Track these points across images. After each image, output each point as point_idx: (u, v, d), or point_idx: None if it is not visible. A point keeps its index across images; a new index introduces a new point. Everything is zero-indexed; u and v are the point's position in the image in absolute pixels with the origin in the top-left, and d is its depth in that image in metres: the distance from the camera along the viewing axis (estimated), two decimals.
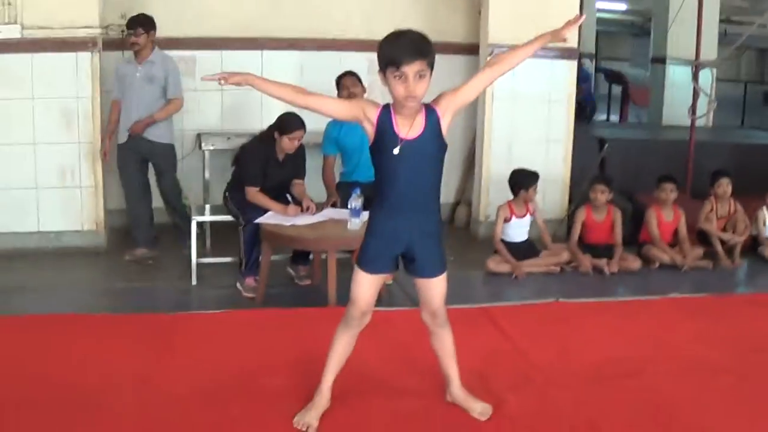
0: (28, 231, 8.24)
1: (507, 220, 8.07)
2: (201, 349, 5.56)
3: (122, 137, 8.07)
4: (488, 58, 4.19)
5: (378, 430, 4.53)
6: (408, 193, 4.35)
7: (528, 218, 8.13)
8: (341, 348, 4.56)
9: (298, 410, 4.54)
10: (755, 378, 5.30)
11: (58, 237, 8.23)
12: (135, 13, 8.32)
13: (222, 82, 4.14)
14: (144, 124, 7.92)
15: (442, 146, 4.40)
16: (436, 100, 4.39)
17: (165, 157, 8.19)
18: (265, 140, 7.33)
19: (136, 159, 8.09)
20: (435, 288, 4.58)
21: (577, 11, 9.20)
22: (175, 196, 8.29)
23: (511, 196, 8.14)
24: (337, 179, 8.01)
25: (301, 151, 7.39)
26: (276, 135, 7.22)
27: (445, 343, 4.71)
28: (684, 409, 4.83)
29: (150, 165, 8.24)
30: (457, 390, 4.75)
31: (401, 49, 4.15)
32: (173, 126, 8.31)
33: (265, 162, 7.26)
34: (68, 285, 7.35)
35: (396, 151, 4.22)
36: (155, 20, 8.02)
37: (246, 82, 4.20)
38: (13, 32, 8.02)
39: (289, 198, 7.38)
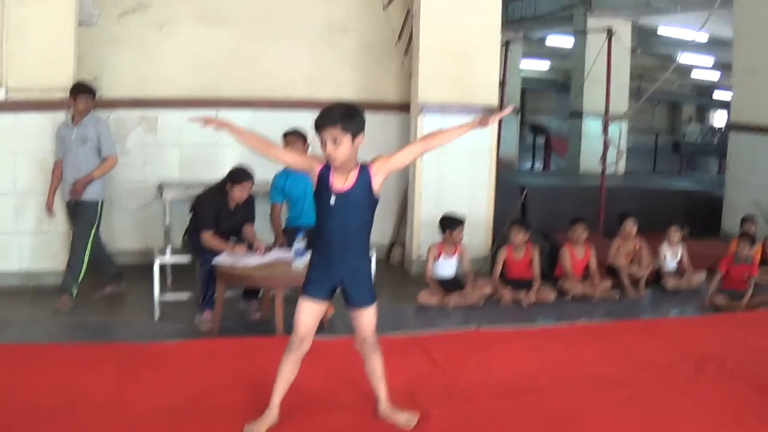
0: (9, 271, 8.32)
1: (436, 258, 8.34)
2: (163, 375, 5.71)
3: (67, 196, 7.98)
4: (420, 136, 4.53)
5: None
6: (339, 235, 4.74)
7: (455, 257, 8.38)
8: (287, 371, 4.86)
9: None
10: (646, 390, 5.62)
11: (37, 276, 8.32)
12: (104, 76, 8.77)
13: (204, 124, 4.54)
14: (83, 184, 7.82)
15: (372, 199, 4.77)
16: (373, 161, 4.73)
17: (84, 209, 7.94)
18: (218, 190, 7.53)
19: (72, 212, 8.06)
20: (365, 317, 4.92)
21: (497, 79, 9.62)
22: (80, 249, 7.92)
23: (440, 238, 8.42)
24: (283, 224, 8.12)
25: (250, 199, 7.59)
26: (228, 185, 7.43)
27: (375, 367, 5.01)
28: (586, 418, 5.14)
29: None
30: (384, 407, 5.06)
31: (321, 118, 4.58)
32: (106, 183, 8.16)
33: (218, 209, 7.44)
34: (45, 319, 7.46)
35: (331, 201, 4.59)
36: (92, 89, 8.02)
37: (223, 127, 4.64)
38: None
39: (234, 240, 7.51)
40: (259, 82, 9.73)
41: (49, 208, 8.08)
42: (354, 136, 4.58)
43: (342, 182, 4.67)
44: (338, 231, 4.75)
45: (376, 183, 4.72)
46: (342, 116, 4.58)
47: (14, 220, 8.30)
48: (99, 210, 8.02)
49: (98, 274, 8.21)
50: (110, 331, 7.17)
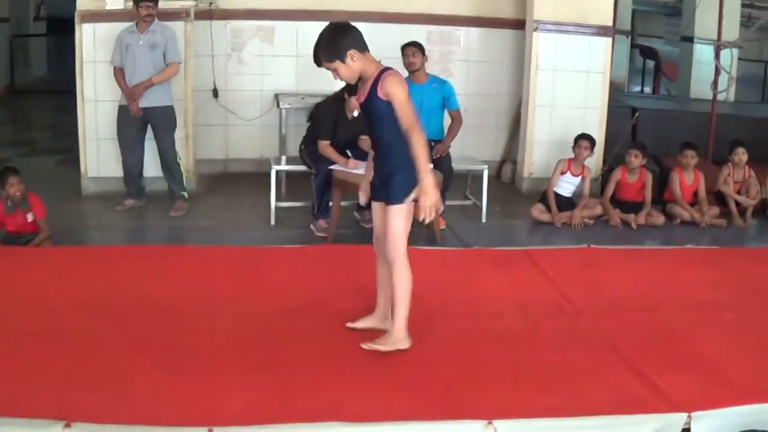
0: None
1: (563, 173, 8.33)
2: (282, 277, 5.95)
3: (124, 100, 8.04)
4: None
5: (433, 343, 4.93)
6: (374, 144, 4.93)
7: (579, 179, 8.34)
8: (378, 271, 5.07)
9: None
10: (752, 316, 5.59)
11: (154, 181, 8.51)
12: None
13: None
14: (143, 87, 7.87)
15: (383, 108, 4.64)
16: (387, 77, 4.63)
17: (163, 118, 8.12)
18: (336, 100, 7.64)
19: (133, 120, 8.01)
20: (380, 214, 4.99)
21: None
22: (172, 156, 8.21)
23: (562, 156, 8.47)
24: None
25: None
26: (345, 96, 7.52)
27: (383, 275, 5.01)
28: (689, 337, 5.18)
29: (149, 127, 8.19)
30: (375, 318, 5.10)
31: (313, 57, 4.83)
32: (171, 89, 8.20)
33: (336, 119, 7.56)
34: (165, 223, 7.85)
35: (355, 113, 4.76)
36: None
37: None
38: (118, 3, 8.39)
39: (349, 153, 7.63)
40: None
41: (136, 111, 7.94)
42: (342, 59, 4.63)
43: (363, 95, 4.74)
44: (373, 140, 4.94)
45: (382, 93, 4.62)
46: (321, 52, 4.72)
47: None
48: (174, 113, 8.21)
49: (127, 185, 8.33)
50: (228, 235, 7.41)
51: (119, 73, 8.00)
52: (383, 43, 9.29)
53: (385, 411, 4.12)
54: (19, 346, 4.70)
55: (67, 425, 3.82)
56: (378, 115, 4.71)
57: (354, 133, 7.66)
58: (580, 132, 8.56)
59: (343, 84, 7.50)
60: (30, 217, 6.95)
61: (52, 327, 4.97)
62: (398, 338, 4.78)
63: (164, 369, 4.47)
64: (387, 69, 4.67)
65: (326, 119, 7.59)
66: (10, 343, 4.74)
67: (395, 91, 4.57)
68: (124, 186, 8.32)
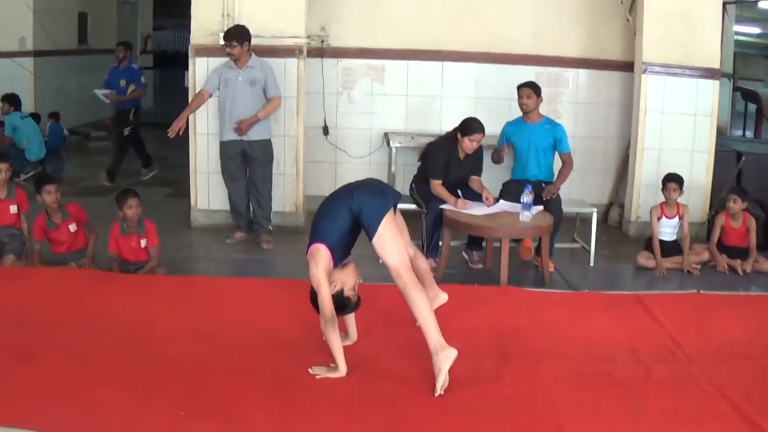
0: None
1: (659, 219, 8.20)
2: (390, 314, 5.96)
3: (226, 135, 8.21)
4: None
5: (544, 385, 4.97)
6: None
7: (676, 220, 8.20)
8: None
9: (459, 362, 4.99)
10: None
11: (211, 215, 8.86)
12: (332, 26, 9.18)
13: None
14: (249, 123, 8.06)
15: None
16: None
17: (262, 150, 8.28)
18: (448, 140, 7.74)
19: (234, 155, 8.25)
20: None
21: (719, 41, 9.43)
22: (267, 189, 8.41)
23: (662, 199, 8.32)
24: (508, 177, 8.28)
25: (479, 151, 7.76)
26: (459, 136, 7.61)
27: (413, 310, 5.01)
28: None
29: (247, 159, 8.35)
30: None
31: None
32: (270, 123, 8.39)
33: (448, 159, 7.66)
34: (273, 257, 8.06)
35: None
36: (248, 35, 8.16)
37: None
38: None
39: (459, 193, 7.69)
40: (482, 36, 9.82)
41: (175, 131, 8.00)
42: None
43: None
44: None
45: None
46: None
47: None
48: (272, 147, 8.40)
49: (235, 218, 8.57)
50: None
51: (203, 96, 8.24)
52: (492, 83, 9.68)
53: None
54: (130, 373, 4.88)
55: None
56: None
57: (464, 172, 7.78)
58: (685, 176, 8.45)
59: (454, 125, 7.74)
60: (143, 243, 7.23)
61: (162, 355, 5.16)
62: (445, 355, 4.82)
63: (276, 401, 4.62)
64: None
65: (439, 159, 7.69)
66: (122, 370, 4.92)
67: None
68: (233, 219, 8.57)
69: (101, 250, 7.36)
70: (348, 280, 5.11)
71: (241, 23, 8.33)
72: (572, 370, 5.24)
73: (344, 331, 5.42)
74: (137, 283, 6.71)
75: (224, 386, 4.79)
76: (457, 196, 7.64)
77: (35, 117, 12.85)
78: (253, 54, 8.22)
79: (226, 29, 8.26)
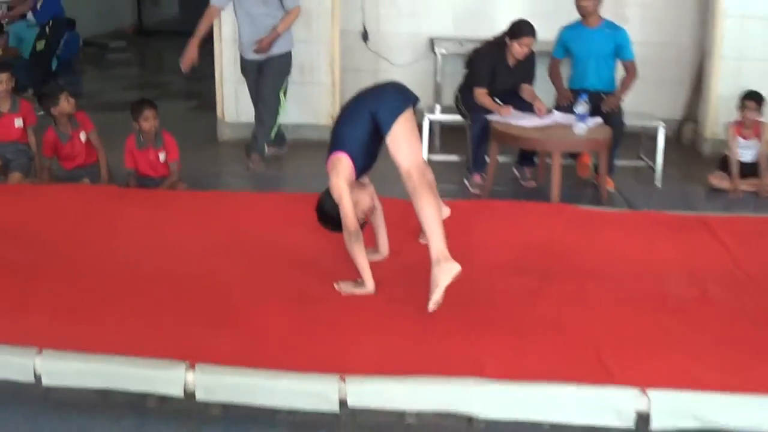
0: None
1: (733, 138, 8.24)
2: None
3: (246, 54, 8.46)
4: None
5: (588, 304, 5.22)
6: None
7: (754, 141, 8.23)
8: None
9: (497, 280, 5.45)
10: None
11: (295, 129, 9.08)
12: None
13: None
14: (269, 41, 8.24)
15: None
16: None
17: (278, 63, 8.45)
18: (496, 45, 7.93)
19: (253, 69, 8.53)
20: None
21: None
22: (273, 101, 8.52)
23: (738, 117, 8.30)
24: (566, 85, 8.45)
25: (530, 57, 7.92)
26: (507, 40, 7.80)
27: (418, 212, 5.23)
28: None
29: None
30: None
31: None
32: (292, 33, 8.54)
33: (495, 66, 7.87)
34: (301, 173, 8.41)
35: None
36: None
37: None
38: None
39: (498, 101, 7.86)
40: None
41: (188, 62, 8.37)
42: None
43: None
44: None
45: None
46: None
47: None
48: (290, 59, 8.59)
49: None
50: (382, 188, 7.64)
51: (213, 13, 8.48)
52: None
53: (531, 371, 4.40)
54: (145, 288, 5.27)
55: (191, 366, 4.34)
56: None
57: (514, 80, 7.99)
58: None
59: (504, 28, 7.86)
60: (162, 157, 7.59)
61: (178, 271, 5.54)
62: (446, 268, 5.00)
63: (296, 314, 4.95)
64: None
65: (484, 65, 7.91)
66: (137, 285, 5.32)
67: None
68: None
69: (118, 165, 7.74)
70: (363, 201, 5.37)
71: None
72: (619, 288, 5.46)
73: (373, 246, 5.71)
74: (154, 199, 7.05)
75: (242, 300, 5.14)
76: (513, 106, 7.83)
77: (68, 24, 13.05)
78: None
79: None
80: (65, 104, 7.58)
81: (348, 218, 5.17)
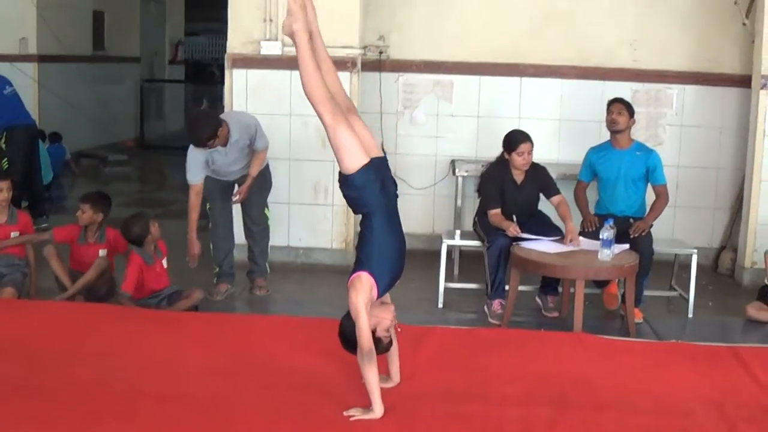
0: (278, 245, 9.52)
1: None
2: (444, 359, 6.62)
3: (218, 175, 8.67)
4: None
5: None
6: None
7: None
8: None
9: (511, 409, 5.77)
10: None
11: (306, 253, 9.49)
12: (392, 35, 9.98)
13: None
14: (247, 189, 8.58)
15: None
16: None
17: (260, 181, 8.74)
18: (499, 164, 8.41)
19: (221, 188, 8.81)
20: None
21: None
22: (263, 221, 8.90)
23: None
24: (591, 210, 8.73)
25: (540, 169, 8.34)
26: (506, 156, 8.25)
27: None
28: None
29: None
30: None
31: None
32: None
33: (502, 184, 8.28)
34: (312, 299, 8.75)
35: None
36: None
37: None
38: (274, 49, 9.44)
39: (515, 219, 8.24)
40: (569, 47, 10.30)
41: (195, 257, 8.61)
42: None
43: None
44: None
45: None
46: None
47: (287, 189, 9.64)
48: (268, 173, 8.97)
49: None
50: None
51: (199, 192, 8.58)
52: (580, 102, 10.03)
53: None
54: (144, 408, 5.64)
55: None
56: None
57: (527, 198, 8.43)
58: None
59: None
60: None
61: (181, 391, 5.94)
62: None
63: None
64: None
65: (490, 185, 8.35)
66: (135, 405, 5.69)
67: None
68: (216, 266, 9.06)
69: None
70: (383, 319, 5.71)
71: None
72: (640, 423, 5.70)
73: (386, 372, 6.04)
74: (157, 320, 7.49)
75: (248, 425, 5.50)
76: (519, 226, 8.17)
77: (40, 135, 13.18)
78: (229, 123, 8.43)
79: (201, 131, 8.29)
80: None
81: (363, 337, 5.52)
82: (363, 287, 5.62)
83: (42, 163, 12.71)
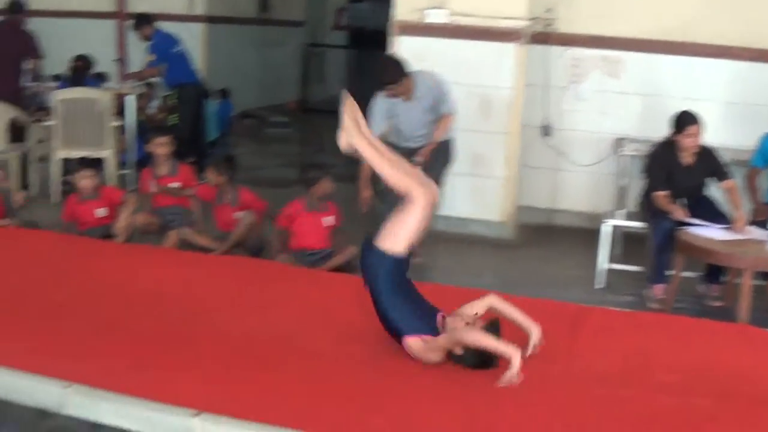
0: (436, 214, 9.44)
1: None
2: (601, 339, 6.48)
3: (400, 142, 8.68)
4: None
5: None
6: None
7: None
8: None
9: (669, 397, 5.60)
10: None
11: (464, 224, 9.46)
12: (560, 7, 9.83)
13: None
14: (428, 152, 8.54)
15: None
16: None
17: (437, 152, 8.68)
18: (666, 145, 8.20)
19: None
20: None
21: None
22: None
23: None
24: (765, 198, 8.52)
25: (708, 152, 8.10)
26: (674, 137, 8.06)
27: None
28: None
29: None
30: None
31: None
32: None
33: (670, 166, 8.09)
34: (466, 270, 8.69)
35: None
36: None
37: None
38: (440, 17, 9.40)
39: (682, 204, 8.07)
40: (742, 28, 9.97)
41: (366, 203, 8.79)
42: None
43: None
44: None
45: None
46: None
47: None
48: (449, 148, 8.92)
49: None
50: (543, 291, 7.73)
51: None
52: (752, 85, 9.78)
53: None
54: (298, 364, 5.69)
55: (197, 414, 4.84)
56: None
57: (695, 181, 8.23)
58: None
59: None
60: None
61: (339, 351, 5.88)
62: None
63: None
64: None
65: (656, 167, 8.19)
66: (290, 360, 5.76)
67: None
68: None
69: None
70: (456, 330, 5.54)
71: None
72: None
73: (525, 342, 5.90)
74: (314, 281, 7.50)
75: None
76: (698, 209, 8.01)
77: (205, 94, 13.54)
78: (416, 78, 8.53)
79: (384, 74, 8.46)
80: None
81: (482, 342, 5.46)
82: (420, 348, 5.58)
83: (207, 120, 13.06)
